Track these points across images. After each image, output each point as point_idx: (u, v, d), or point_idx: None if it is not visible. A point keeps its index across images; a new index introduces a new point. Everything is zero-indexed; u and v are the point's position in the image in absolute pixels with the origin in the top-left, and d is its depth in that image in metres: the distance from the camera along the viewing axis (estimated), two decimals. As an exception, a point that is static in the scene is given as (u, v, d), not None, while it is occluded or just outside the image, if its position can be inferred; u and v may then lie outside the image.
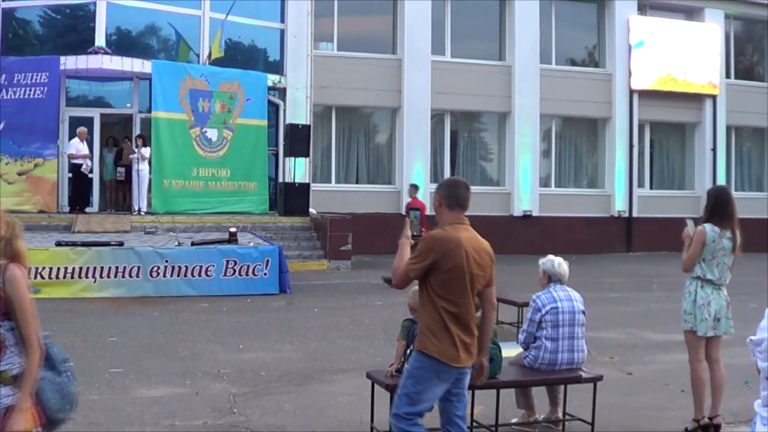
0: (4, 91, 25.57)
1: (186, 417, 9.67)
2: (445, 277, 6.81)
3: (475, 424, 8.96)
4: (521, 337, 9.35)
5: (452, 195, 7.05)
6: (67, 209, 25.99)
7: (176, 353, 13.30)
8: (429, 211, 22.07)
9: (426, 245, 6.92)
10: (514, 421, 9.30)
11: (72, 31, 27.70)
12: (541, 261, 9.50)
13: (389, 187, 30.44)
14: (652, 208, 32.76)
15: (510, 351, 9.55)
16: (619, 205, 33.33)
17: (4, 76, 25.58)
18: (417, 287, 8.69)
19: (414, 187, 24.16)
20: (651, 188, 34.82)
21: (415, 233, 7.09)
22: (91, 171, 26.04)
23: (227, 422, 9.50)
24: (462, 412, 7.08)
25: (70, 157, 25.51)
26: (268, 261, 19.86)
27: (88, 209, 25.91)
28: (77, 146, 25.42)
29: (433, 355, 6.83)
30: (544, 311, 9.02)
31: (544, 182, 33.08)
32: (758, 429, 2.54)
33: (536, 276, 9.54)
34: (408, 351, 8.42)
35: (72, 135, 26.05)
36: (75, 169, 25.62)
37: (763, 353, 2.51)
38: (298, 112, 28.36)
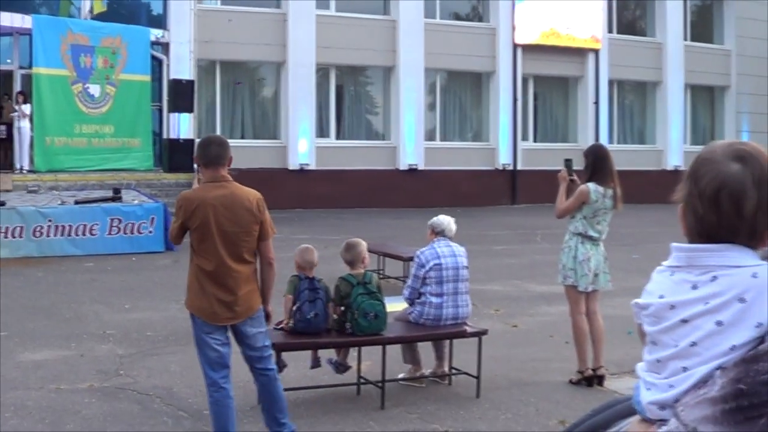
0: None
1: (71, 380, 9.53)
2: (196, 235, 7.00)
3: (362, 380, 9.02)
4: (406, 292, 9.39)
5: (204, 154, 7.13)
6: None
7: (61, 315, 13.11)
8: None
9: (176, 205, 7.17)
10: (400, 376, 9.33)
11: (-53, -16, 26.96)
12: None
13: (275, 142, 30.26)
14: (536, 161, 33.05)
15: (396, 306, 9.60)
16: (504, 158, 33.60)
17: None
18: (306, 245, 8.76)
19: None
20: (535, 141, 35.13)
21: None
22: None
23: (113, 384, 9.38)
24: (264, 365, 7.26)
25: None
26: (153, 218, 19.65)
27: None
28: None
29: (192, 311, 7.12)
30: (427, 267, 9.06)
31: (429, 136, 33.11)
32: (642, 394, 2.56)
33: (422, 230, 9.61)
34: (294, 307, 8.45)
35: None
36: None
37: (649, 317, 2.53)
38: (181, 67, 27.94)
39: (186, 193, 7.20)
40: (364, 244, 8.95)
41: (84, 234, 19.17)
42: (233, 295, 6.94)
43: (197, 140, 26.45)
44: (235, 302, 6.95)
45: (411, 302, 9.28)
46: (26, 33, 25.97)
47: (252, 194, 7.08)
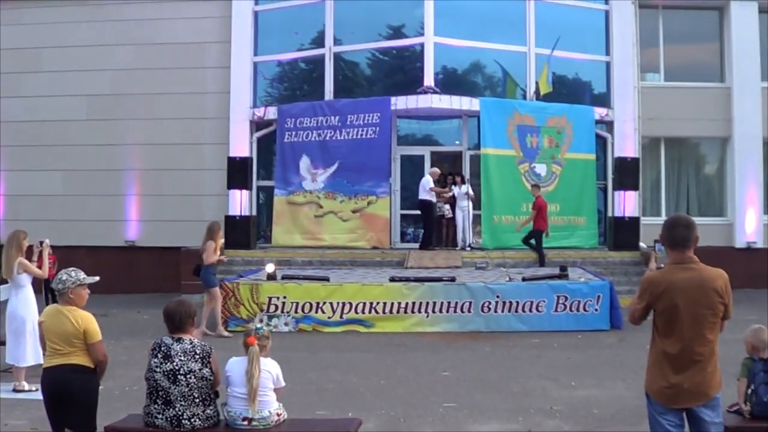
0: (338, 131, 26.76)
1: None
2: (663, 318, 6.86)
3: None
4: None
5: (671, 235, 7.01)
6: (399, 245, 26.90)
7: (508, 389, 13.43)
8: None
9: (641, 287, 7.06)
10: None
11: (399, 72, 28.59)
12: None
13: (720, 219, 29.46)
14: None
15: None
16: None
17: (338, 117, 26.83)
18: (759, 325, 8.51)
19: (536, 187, 25.00)
20: None
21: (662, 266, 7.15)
22: (448, 211, 26.86)
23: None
24: None
25: (434, 191, 26.06)
26: (599, 296, 19.61)
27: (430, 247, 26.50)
28: (431, 184, 26.07)
29: (649, 393, 6.99)
30: None
31: None
32: None
33: None
34: (749, 389, 8.24)
35: (405, 174, 27.49)
36: (425, 206, 26.15)
37: None
38: (626, 144, 27.97)
39: (652, 276, 7.09)
40: None
41: (530, 310, 19.54)
42: (694, 378, 6.80)
43: (642, 218, 26.42)
44: (695, 385, 6.81)
45: None
46: (474, 115, 27.15)
47: (718, 274, 6.96)
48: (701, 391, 6.81)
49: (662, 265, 7.28)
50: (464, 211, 26.44)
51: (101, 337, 8.35)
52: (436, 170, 26.51)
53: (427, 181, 26.01)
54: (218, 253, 19.35)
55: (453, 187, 26.79)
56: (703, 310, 6.79)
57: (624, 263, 25.21)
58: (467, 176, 27.03)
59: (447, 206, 26.97)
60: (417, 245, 26.53)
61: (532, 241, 24.63)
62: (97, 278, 8.70)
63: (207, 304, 19.27)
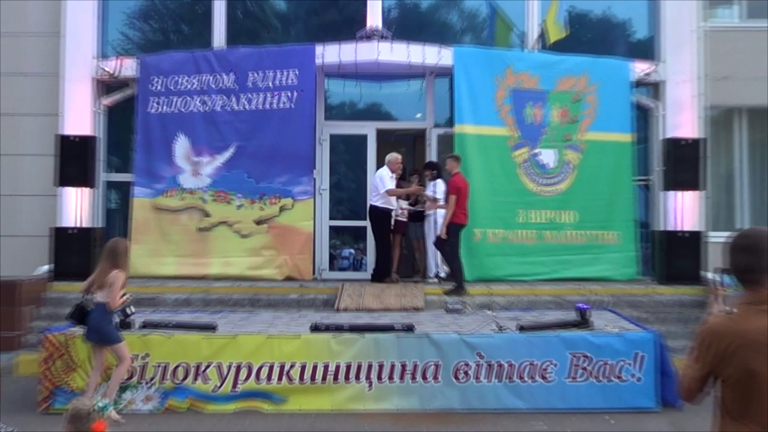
0: (234, 98, 26.07)
1: None
2: (734, 392, 6.57)
3: None
4: None
5: (735, 261, 6.76)
6: (327, 274, 26.50)
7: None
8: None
9: (697, 343, 6.75)
10: None
11: (331, 7, 28.10)
12: None
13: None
14: None
15: None
16: None
17: (233, 76, 26.16)
18: None
19: (453, 159, 24.33)
20: None
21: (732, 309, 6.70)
22: (401, 214, 26.20)
23: None
24: None
25: (390, 193, 25.43)
26: (640, 357, 19.17)
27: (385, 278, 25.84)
28: (389, 182, 25.39)
29: None
30: None
31: None
32: None
33: None
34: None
35: (338, 164, 27.08)
36: (379, 216, 25.49)
37: None
38: (682, 118, 27.71)
39: (715, 326, 6.73)
40: None
41: (533, 378, 19.04)
42: None
43: (710, 234, 25.99)
44: None
45: None
46: (444, 74, 26.68)
47: None
48: None
49: (733, 309, 6.91)
50: (437, 223, 25.56)
51: None
52: (398, 157, 25.65)
53: (382, 177, 25.38)
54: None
55: (430, 184, 25.93)
56: None
57: (682, 304, 24.91)
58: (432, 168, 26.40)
59: (405, 205, 26.16)
60: (360, 275, 26.06)
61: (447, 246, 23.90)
62: None
63: (98, 367, 18.02)
